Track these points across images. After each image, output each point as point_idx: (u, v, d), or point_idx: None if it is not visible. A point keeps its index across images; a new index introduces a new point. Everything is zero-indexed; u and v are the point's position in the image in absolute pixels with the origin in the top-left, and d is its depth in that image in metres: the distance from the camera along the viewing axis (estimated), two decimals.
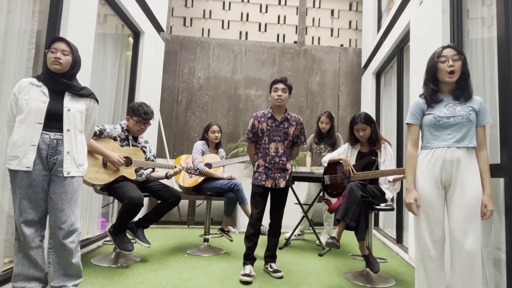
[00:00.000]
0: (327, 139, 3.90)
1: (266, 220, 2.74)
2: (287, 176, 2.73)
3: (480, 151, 1.87)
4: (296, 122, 2.77)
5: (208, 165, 3.38)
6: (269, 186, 2.68)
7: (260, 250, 2.97)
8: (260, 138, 2.75)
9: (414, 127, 2.03)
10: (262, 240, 2.87)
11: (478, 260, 1.75)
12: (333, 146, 3.85)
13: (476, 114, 1.86)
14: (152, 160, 3.05)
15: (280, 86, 2.70)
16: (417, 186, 1.95)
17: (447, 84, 1.93)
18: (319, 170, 3.78)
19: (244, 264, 2.67)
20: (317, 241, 3.75)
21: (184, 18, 5.80)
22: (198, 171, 3.14)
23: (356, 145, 2.91)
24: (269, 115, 2.74)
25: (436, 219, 1.87)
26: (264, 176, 2.69)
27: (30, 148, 1.88)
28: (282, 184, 2.69)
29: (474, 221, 1.77)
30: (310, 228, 3.82)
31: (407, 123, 2.05)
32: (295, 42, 5.88)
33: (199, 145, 3.49)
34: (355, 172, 2.74)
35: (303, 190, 4.04)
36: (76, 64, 2.06)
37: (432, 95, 1.96)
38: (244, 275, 2.53)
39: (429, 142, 1.95)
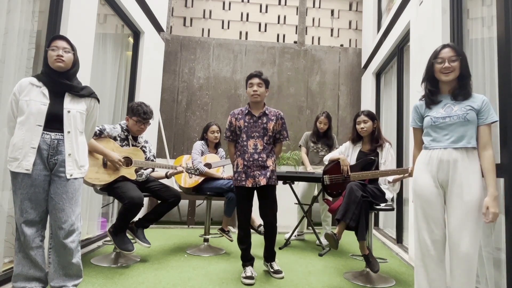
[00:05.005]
0: (324, 139, 3.91)
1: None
2: (268, 173, 2.60)
3: (483, 151, 1.81)
4: (276, 117, 2.69)
5: (208, 165, 3.38)
6: (250, 185, 2.58)
7: (259, 250, 2.96)
8: (239, 136, 2.67)
9: (416, 130, 2.08)
10: (261, 239, 2.86)
11: (474, 262, 1.74)
12: (330, 147, 3.88)
13: (477, 113, 1.83)
14: (152, 160, 3.05)
15: (255, 81, 2.63)
16: (416, 185, 1.95)
17: (445, 84, 1.93)
18: (316, 170, 3.78)
19: (244, 266, 2.66)
20: (317, 241, 3.75)
21: (184, 18, 5.80)
22: (198, 171, 3.14)
23: (357, 143, 2.91)
24: (246, 111, 2.67)
25: (436, 218, 1.87)
26: (243, 175, 2.59)
27: (29, 150, 1.88)
28: (263, 182, 2.56)
29: (471, 223, 1.75)
30: (310, 228, 3.82)
31: (411, 126, 2.10)
32: (295, 42, 5.88)
33: (199, 145, 3.49)
34: (349, 172, 2.74)
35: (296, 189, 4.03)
36: (76, 62, 2.07)
37: (430, 96, 1.96)
38: (246, 277, 2.51)
39: (427, 143, 1.95)
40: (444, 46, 1.92)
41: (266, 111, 2.68)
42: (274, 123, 2.67)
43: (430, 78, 1.96)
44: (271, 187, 2.65)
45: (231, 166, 2.80)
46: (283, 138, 2.75)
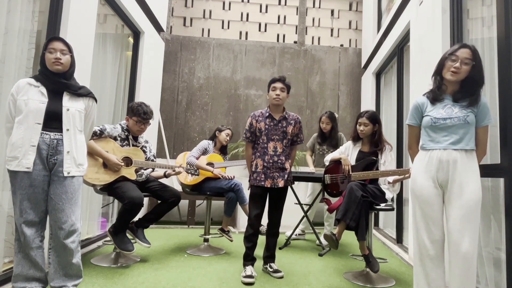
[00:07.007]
0: (329, 140, 3.85)
1: (264, 220, 2.74)
2: (286, 176, 2.69)
3: (476, 151, 1.87)
4: (295, 121, 2.75)
5: (210, 165, 3.38)
6: (268, 186, 2.65)
7: (259, 250, 2.97)
8: (258, 137, 2.73)
9: (413, 128, 2.06)
10: (261, 239, 2.87)
11: (474, 262, 1.75)
12: (335, 147, 3.82)
13: (475, 115, 1.84)
14: (152, 160, 3.05)
15: (279, 85, 2.68)
16: (415, 185, 1.95)
17: (449, 83, 1.91)
18: (321, 172, 3.77)
19: (245, 265, 2.67)
20: (317, 241, 3.75)
21: (184, 18, 5.80)
22: (191, 166, 3.13)
23: (357, 143, 2.91)
24: (267, 114, 2.73)
25: (435, 218, 1.87)
26: (263, 176, 2.66)
27: (29, 148, 1.88)
28: (281, 183, 2.67)
29: (471, 223, 1.76)
30: (310, 228, 3.82)
31: (407, 124, 2.07)
32: (295, 42, 5.87)
33: (205, 143, 3.48)
34: (351, 172, 2.74)
35: (303, 190, 4.03)
36: (74, 63, 2.07)
37: (437, 91, 1.94)
38: (246, 276, 2.52)
39: (425, 143, 1.94)
40: (462, 46, 1.87)
41: (286, 115, 2.74)
42: (293, 127, 2.73)
43: (437, 72, 1.95)
44: (285, 189, 2.75)
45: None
46: (300, 141, 2.83)
